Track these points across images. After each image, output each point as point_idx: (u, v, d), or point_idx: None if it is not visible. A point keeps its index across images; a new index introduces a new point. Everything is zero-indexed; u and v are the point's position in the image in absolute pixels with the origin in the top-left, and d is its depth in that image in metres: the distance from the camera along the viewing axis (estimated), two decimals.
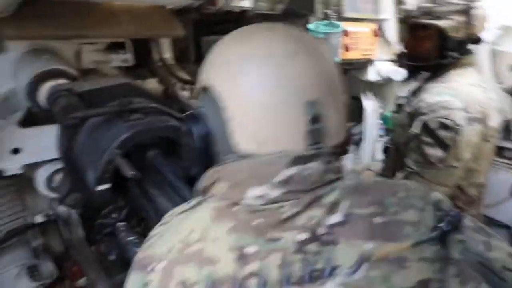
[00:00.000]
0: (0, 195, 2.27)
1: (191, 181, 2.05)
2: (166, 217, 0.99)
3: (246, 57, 0.84)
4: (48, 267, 2.72)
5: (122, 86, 1.80)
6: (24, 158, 1.80)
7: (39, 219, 2.21)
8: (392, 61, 2.72)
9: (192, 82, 2.44)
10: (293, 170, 0.81)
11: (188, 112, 0.99)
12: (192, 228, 0.83)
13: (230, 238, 0.77)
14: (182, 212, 0.93)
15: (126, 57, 2.10)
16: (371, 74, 2.73)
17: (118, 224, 1.74)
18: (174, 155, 2.09)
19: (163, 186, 1.79)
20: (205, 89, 0.92)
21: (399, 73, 2.58)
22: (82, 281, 3.14)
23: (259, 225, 0.77)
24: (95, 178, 1.66)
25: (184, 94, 2.46)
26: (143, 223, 1.94)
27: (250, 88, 0.82)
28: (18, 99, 1.82)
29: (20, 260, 2.58)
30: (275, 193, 0.80)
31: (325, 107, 0.84)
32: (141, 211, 1.82)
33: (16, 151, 1.76)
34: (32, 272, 2.61)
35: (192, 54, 3.13)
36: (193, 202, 0.95)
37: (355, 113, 3.00)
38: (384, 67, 2.68)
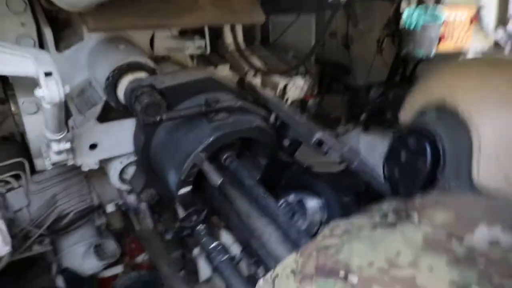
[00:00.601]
0: (71, 181, 2.27)
1: (265, 181, 1.97)
2: (343, 224, 0.88)
3: None
4: (111, 245, 2.76)
5: (204, 81, 1.66)
6: (101, 153, 1.73)
7: (109, 208, 2.18)
8: (487, 52, 2.41)
9: (263, 70, 2.27)
10: None
11: (418, 128, 0.86)
12: (398, 250, 0.74)
13: (451, 272, 0.69)
14: (376, 226, 0.84)
15: (201, 44, 1.94)
16: None
17: (199, 228, 1.65)
18: (248, 153, 1.97)
19: (240, 187, 1.68)
20: (445, 106, 0.81)
21: None
22: (140, 258, 3.20)
23: (485, 266, 0.70)
24: (177, 181, 1.56)
25: (257, 82, 2.30)
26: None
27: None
28: (94, 92, 1.72)
29: (87, 238, 2.63)
30: (508, 238, 0.72)
31: None
32: (221, 213, 1.73)
33: (93, 146, 1.69)
34: (98, 251, 2.66)
35: (258, 35, 2.93)
36: (390, 217, 0.86)
37: None
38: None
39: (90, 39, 1.72)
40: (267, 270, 1.52)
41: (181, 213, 3.23)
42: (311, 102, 2.42)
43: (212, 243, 1.58)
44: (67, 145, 1.46)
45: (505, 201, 0.74)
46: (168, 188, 1.69)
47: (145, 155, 1.73)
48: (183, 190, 1.60)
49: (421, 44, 2.27)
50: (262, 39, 2.98)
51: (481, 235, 0.73)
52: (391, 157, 0.95)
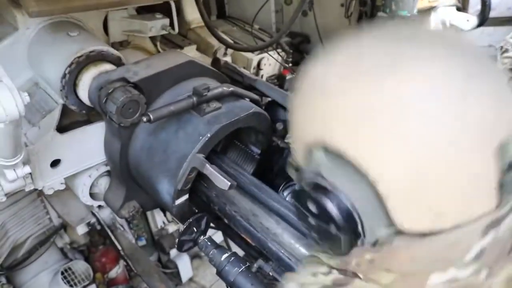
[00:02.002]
0: (22, 203, 1.90)
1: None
2: None
3: (399, 99, 0.59)
4: (82, 266, 2.43)
5: (185, 67, 1.38)
6: (66, 170, 1.41)
7: (80, 230, 1.85)
8: (457, 6, 2.37)
9: (238, 47, 2.01)
10: (488, 239, 0.60)
11: (310, 181, 0.68)
12: None
13: None
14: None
15: (166, 23, 1.63)
16: (433, 24, 2.37)
17: (202, 239, 1.42)
18: (238, 142, 1.75)
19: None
20: (327, 150, 0.66)
21: (470, 22, 2.25)
22: (114, 271, 2.88)
23: None
24: (173, 191, 1.30)
25: (228, 60, 2.04)
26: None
27: (415, 143, 0.58)
28: (44, 96, 1.37)
29: (51, 264, 2.28)
30: (465, 273, 0.60)
31: None
32: (225, 218, 1.51)
33: (55, 163, 1.35)
34: (67, 276, 2.31)
35: (214, 8, 2.63)
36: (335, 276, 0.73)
37: None
38: (450, 14, 2.32)
39: (27, 28, 1.35)
40: (289, 271, 1.36)
41: (151, 219, 2.97)
42: (289, 76, 2.23)
43: (223, 254, 1.37)
44: (26, 170, 1.13)
45: (442, 241, 0.61)
46: (158, 200, 1.42)
47: (123, 163, 1.43)
48: (179, 201, 1.35)
49: (404, 4, 2.15)
50: (218, 13, 2.69)
51: (436, 283, 0.62)
52: (301, 217, 0.77)
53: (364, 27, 0.67)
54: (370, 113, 0.60)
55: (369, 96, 0.60)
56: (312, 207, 0.70)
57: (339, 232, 0.67)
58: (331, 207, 0.66)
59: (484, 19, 2.31)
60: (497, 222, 0.60)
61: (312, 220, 0.72)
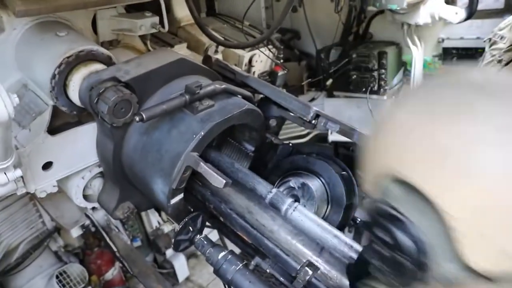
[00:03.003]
0: (13, 208, 1.88)
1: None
2: None
3: (474, 140, 0.61)
4: (77, 269, 2.40)
5: (176, 65, 1.37)
6: (58, 172, 1.39)
7: (75, 233, 1.83)
8: (446, 0, 2.38)
9: (229, 44, 2.00)
10: None
11: (384, 208, 0.71)
12: None
13: None
14: None
15: (156, 21, 1.61)
16: (422, 17, 2.38)
17: (198, 238, 1.41)
18: (231, 139, 1.74)
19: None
20: (400, 181, 0.68)
21: (459, 15, 2.27)
22: (110, 273, 2.86)
23: None
24: (168, 191, 1.29)
25: (219, 57, 2.02)
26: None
27: (490, 182, 0.59)
28: (34, 98, 1.35)
29: (46, 269, 2.25)
30: None
31: None
32: (221, 216, 1.50)
33: (47, 165, 1.33)
34: (62, 280, 2.29)
35: (203, 5, 2.60)
36: None
37: (396, 60, 2.69)
38: (439, 7, 2.33)
39: (14, 28, 1.32)
40: (286, 268, 1.36)
41: (146, 219, 2.95)
42: (281, 73, 2.22)
43: (220, 253, 1.36)
44: (18, 173, 1.11)
45: None
46: (153, 199, 1.41)
47: (116, 164, 1.41)
48: (174, 200, 1.34)
49: None
50: (208, 10, 2.67)
51: None
52: (371, 249, 0.79)
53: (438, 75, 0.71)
54: (447, 151, 0.63)
55: (446, 135, 0.63)
56: (384, 236, 0.71)
57: (407, 261, 0.69)
58: (402, 238, 0.68)
59: (472, 12, 2.33)
60: None
61: (386, 252, 0.73)
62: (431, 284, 0.68)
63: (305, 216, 1.27)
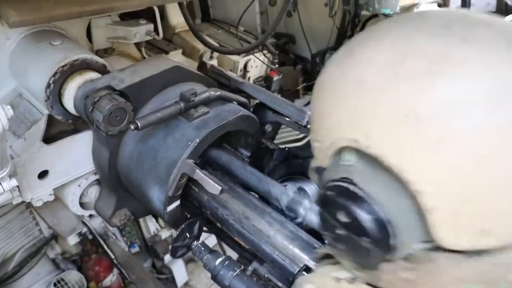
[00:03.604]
0: (10, 216, 1.87)
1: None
2: None
3: (450, 107, 0.52)
4: (75, 276, 2.39)
5: (171, 72, 1.38)
6: (55, 180, 1.39)
7: (72, 240, 1.83)
8: (438, 3, 2.40)
9: (223, 50, 2.01)
10: None
11: (339, 184, 0.62)
12: None
13: None
14: None
15: (150, 28, 1.62)
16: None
17: (195, 245, 1.41)
18: (227, 145, 1.74)
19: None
20: (360, 153, 0.59)
21: None
22: (108, 279, 2.85)
23: None
24: (164, 198, 1.30)
25: (214, 64, 2.03)
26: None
27: (466, 155, 0.51)
28: (29, 107, 1.35)
29: (43, 276, 2.24)
30: None
31: None
32: (218, 221, 1.50)
33: (43, 174, 1.34)
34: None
35: (198, 11, 2.62)
36: None
37: None
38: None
39: (8, 38, 1.32)
40: (284, 273, 1.36)
41: (144, 225, 2.94)
42: (276, 78, 2.23)
43: (217, 259, 1.36)
44: (13, 183, 1.11)
45: (490, 260, 0.56)
46: (149, 207, 1.41)
47: (112, 171, 1.42)
48: (171, 207, 1.34)
49: (387, 2, 2.17)
50: (202, 16, 2.68)
51: None
52: (326, 226, 0.71)
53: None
54: (417, 119, 0.54)
55: (416, 101, 0.54)
56: (342, 216, 0.64)
57: (371, 245, 0.62)
58: (365, 218, 0.60)
59: None
60: None
61: (340, 231, 0.65)
62: (396, 262, 0.62)
63: None
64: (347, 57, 0.63)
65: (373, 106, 0.57)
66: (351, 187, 0.61)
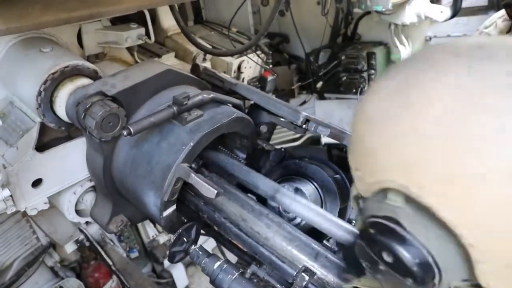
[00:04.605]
0: (6, 225, 1.86)
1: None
2: None
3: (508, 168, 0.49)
4: (74, 283, 2.38)
5: (163, 76, 1.37)
6: (49, 189, 1.38)
7: (69, 248, 1.81)
8: None
9: (216, 52, 2.00)
10: None
11: (384, 223, 0.62)
12: None
13: None
14: None
15: (141, 32, 1.61)
16: (408, 16, 2.40)
17: (193, 249, 1.40)
18: (223, 147, 1.73)
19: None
20: (409, 199, 0.58)
21: (444, 13, 2.29)
22: (108, 285, 2.84)
23: None
24: (160, 203, 1.28)
25: (207, 66, 2.02)
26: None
27: None
28: (21, 115, 1.34)
29: (42, 285, 2.23)
30: None
31: None
32: (215, 225, 1.49)
33: (37, 183, 1.32)
34: None
35: (190, 14, 2.61)
36: None
37: (385, 60, 2.71)
38: (424, 6, 2.35)
39: None
40: (283, 274, 1.35)
41: (143, 230, 2.93)
42: (270, 78, 2.23)
43: (216, 263, 1.35)
44: (6, 193, 1.10)
45: None
46: (145, 212, 1.40)
47: (107, 178, 1.40)
48: (167, 212, 1.33)
49: None
50: (195, 18, 2.67)
51: None
52: (367, 259, 0.70)
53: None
54: (475, 178, 0.52)
55: (476, 160, 0.52)
56: (386, 255, 0.63)
57: (414, 285, 0.61)
58: (411, 261, 0.60)
59: (457, 10, 2.36)
60: None
61: (383, 267, 0.65)
62: None
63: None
64: (401, 92, 0.59)
65: (430, 157, 0.55)
66: (397, 229, 0.61)
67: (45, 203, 1.37)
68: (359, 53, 2.63)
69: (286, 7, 2.94)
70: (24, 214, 2.05)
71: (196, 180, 1.21)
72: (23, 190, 1.29)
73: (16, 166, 1.24)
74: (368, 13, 2.69)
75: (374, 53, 2.63)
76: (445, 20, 2.43)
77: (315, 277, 1.20)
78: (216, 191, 1.21)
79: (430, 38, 2.75)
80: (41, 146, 1.34)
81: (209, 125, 1.31)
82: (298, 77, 3.08)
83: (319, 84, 2.81)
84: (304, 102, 2.95)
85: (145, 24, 1.70)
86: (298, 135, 2.98)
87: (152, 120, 1.18)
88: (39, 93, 1.22)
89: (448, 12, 2.39)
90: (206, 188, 1.19)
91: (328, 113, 2.89)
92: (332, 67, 2.74)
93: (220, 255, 1.71)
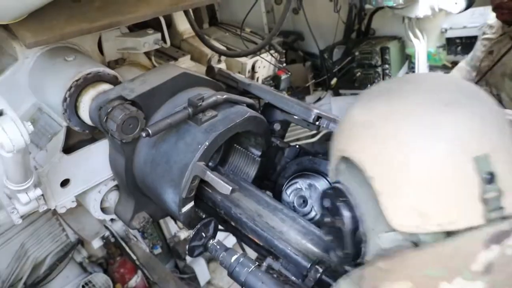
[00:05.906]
0: (38, 223, 1.98)
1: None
2: None
3: (391, 116, 0.76)
4: (101, 278, 2.50)
5: (180, 79, 1.43)
6: (76, 188, 1.47)
7: (96, 244, 1.92)
8: None
9: (231, 53, 2.05)
10: (493, 253, 0.63)
11: (329, 188, 0.90)
12: None
13: None
14: None
15: (158, 37, 1.68)
16: (422, 9, 2.39)
17: (211, 243, 1.47)
18: (238, 146, 1.79)
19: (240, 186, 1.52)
20: (344, 160, 0.83)
21: (459, 4, 2.27)
22: (133, 281, 2.96)
23: None
24: (178, 200, 1.35)
25: (222, 67, 2.08)
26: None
27: (400, 151, 0.72)
28: (49, 120, 1.43)
29: (72, 279, 2.36)
30: (475, 286, 0.63)
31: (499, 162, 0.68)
32: (232, 220, 1.55)
33: (65, 183, 1.42)
34: None
35: (205, 16, 2.67)
36: None
37: (400, 54, 2.70)
38: None
39: (26, 57, 1.41)
40: (297, 267, 1.39)
41: (165, 227, 3.03)
42: (284, 76, 2.27)
43: (233, 256, 1.41)
44: (38, 192, 1.19)
45: (444, 246, 0.68)
46: (165, 209, 1.47)
47: (129, 177, 1.49)
48: (185, 208, 1.40)
49: None
50: (210, 20, 2.74)
51: None
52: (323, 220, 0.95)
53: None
54: (370, 126, 0.78)
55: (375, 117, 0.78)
56: (327, 203, 0.89)
57: (343, 226, 0.81)
58: (344, 210, 0.82)
59: (472, 1, 2.32)
60: (499, 238, 0.64)
61: (327, 217, 0.89)
62: (374, 258, 0.78)
63: None
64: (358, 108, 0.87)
65: (356, 131, 0.83)
66: (338, 184, 0.86)
67: (72, 201, 1.47)
68: (372, 48, 2.63)
69: (299, 5, 2.96)
70: (54, 212, 2.17)
71: (212, 178, 1.27)
72: (52, 190, 1.39)
73: (46, 167, 1.34)
74: (381, 7, 2.69)
75: (388, 48, 2.63)
76: (460, 12, 2.40)
77: (328, 269, 1.24)
78: (231, 188, 1.27)
79: (446, 30, 2.72)
80: (68, 148, 1.43)
81: (223, 125, 1.37)
82: (313, 74, 3.10)
83: (333, 81, 2.82)
84: (319, 99, 2.97)
85: (161, 29, 1.78)
86: (314, 132, 3.01)
87: (169, 121, 1.25)
88: (65, 99, 1.31)
89: (462, 3, 2.36)
90: (222, 185, 1.25)
91: (344, 109, 2.89)
92: (346, 63, 2.75)
93: (240, 250, 1.77)
